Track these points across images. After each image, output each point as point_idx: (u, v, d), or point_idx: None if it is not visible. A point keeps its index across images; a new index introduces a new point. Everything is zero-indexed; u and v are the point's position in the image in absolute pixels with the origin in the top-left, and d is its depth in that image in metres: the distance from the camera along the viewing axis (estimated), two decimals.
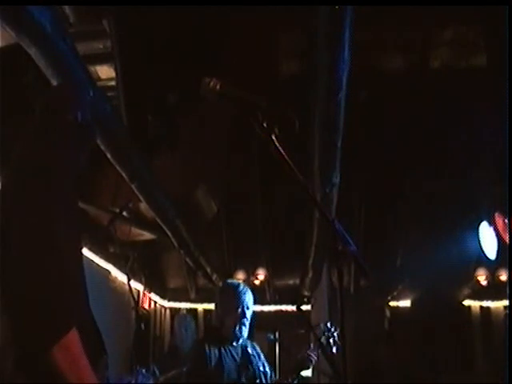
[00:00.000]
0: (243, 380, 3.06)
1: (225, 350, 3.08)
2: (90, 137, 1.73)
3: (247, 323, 3.18)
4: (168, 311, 9.61)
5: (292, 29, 5.97)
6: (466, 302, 9.65)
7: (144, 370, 2.71)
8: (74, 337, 1.21)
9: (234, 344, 3.15)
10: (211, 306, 3.44)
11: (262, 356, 3.29)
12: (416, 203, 7.58)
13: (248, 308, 3.19)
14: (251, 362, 3.15)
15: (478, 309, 9.70)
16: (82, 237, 1.54)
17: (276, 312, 9.12)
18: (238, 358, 3.11)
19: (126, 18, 4.73)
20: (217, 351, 3.02)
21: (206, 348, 3.00)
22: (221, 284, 3.89)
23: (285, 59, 6.46)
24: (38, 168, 1.43)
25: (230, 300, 3.17)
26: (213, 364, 2.95)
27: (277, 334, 5.68)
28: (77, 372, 1.20)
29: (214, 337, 3.11)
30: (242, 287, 3.25)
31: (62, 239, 1.28)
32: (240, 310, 3.15)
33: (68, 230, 1.33)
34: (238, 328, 3.14)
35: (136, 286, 7.43)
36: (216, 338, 3.10)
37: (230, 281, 3.73)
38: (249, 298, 3.22)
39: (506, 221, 6.48)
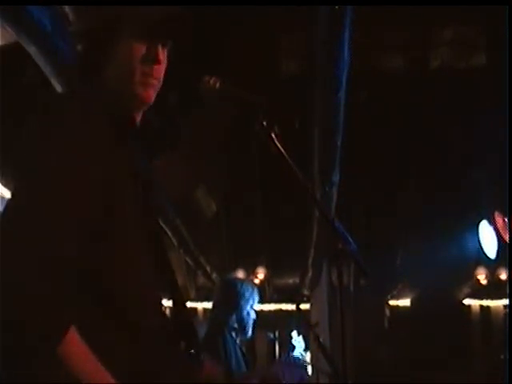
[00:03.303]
0: None
1: (234, 346, 3.08)
2: None
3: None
4: (168, 310, 9.63)
5: (292, 29, 5.97)
6: (466, 301, 9.67)
7: None
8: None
9: (237, 342, 3.16)
10: (211, 305, 3.43)
11: None
12: (416, 202, 7.59)
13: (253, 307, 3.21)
14: (247, 360, 3.17)
15: (477, 308, 9.72)
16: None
17: (276, 311, 9.14)
18: (241, 354, 3.13)
19: None
20: (232, 347, 3.02)
21: (224, 343, 2.98)
22: (225, 280, 3.84)
23: (285, 59, 6.46)
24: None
25: (241, 299, 3.16)
26: (233, 358, 2.95)
27: (276, 333, 5.68)
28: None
29: (222, 334, 3.10)
30: (250, 287, 3.26)
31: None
32: (252, 309, 3.16)
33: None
34: (248, 328, 3.15)
35: None
36: (223, 336, 3.09)
37: (235, 278, 3.69)
38: (257, 297, 3.23)
39: (506, 220, 6.48)
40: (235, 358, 2.99)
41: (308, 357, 3.89)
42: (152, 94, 1.27)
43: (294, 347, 3.49)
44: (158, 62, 1.25)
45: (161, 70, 1.27)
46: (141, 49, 1.22)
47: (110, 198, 1.12)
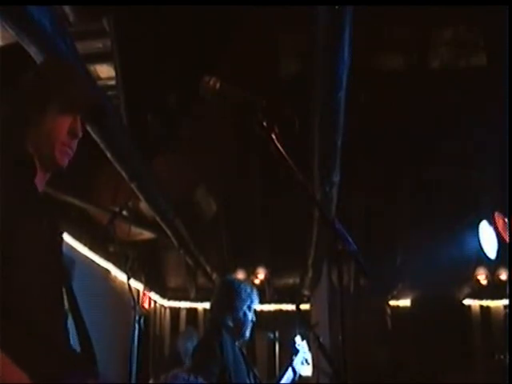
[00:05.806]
0: (251, 379, 3.06)
1: (232, 347, 3.07)
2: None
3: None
4: (168, 310, 9.62)
5: (292, 29, 5.97)
6: (466, 302, 9.65)
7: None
8: None
9: (236, 343, 3.15)
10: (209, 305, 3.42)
11: None
12: (416, 202, 7.59)
13: (252, 308, 3.20)
14: (247, 361, 3.16)
15: (477, 308, 9.70)
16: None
17: (276, 311, 9.13)
18: (241, 356, 3.11)
19: (126, 16, 4.73)
20: (230, 347, 3.01)
21: (221, 343, 2.96)
22: (223, 280, 3.84)
23: (285, 59, 6.46)
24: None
25: (237, 299, 3.15)
26: (230, 359, 2.93)
27: (276, 334, 5.69)
28: None
29: (219, 333, 3.08)
30: (249, 288, 3.25)
31: None
32: (250, 311, 3.15)
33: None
34: (244, 329, 3.14)
35: (136, 285, 7.43)
36: (220, 336, 3.07)
37: (234, 279, 3.69)
38: (256, 298, 3.22)
39: (506, 220, 6.48)
40: (233, 358, 2.98)
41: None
42: (67, 161, 1.52)
43: (297, 351, 3.49)
44: (77, 137, 1.51)
45: (76, 142, 1.54)
46: (65, 123, 1.48)
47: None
